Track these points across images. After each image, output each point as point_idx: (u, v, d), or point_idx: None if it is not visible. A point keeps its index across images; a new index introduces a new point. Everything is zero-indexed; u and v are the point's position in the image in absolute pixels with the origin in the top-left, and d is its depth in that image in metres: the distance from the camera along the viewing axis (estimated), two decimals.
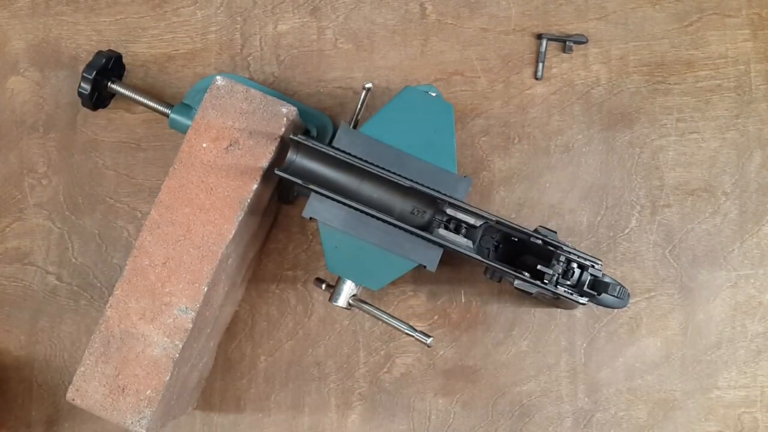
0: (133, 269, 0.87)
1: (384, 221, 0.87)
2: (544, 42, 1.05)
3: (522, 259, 0.91)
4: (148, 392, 0.85)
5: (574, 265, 0.86)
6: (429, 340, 0.89)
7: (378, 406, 1.02)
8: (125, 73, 1.07)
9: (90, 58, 1.01)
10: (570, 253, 0.86)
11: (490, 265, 0.88)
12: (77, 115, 1.07)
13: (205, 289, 0.86)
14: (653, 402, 1.01)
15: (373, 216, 0.87)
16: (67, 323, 1.04)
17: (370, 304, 0.92)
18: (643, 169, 1.04)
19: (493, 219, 0.87)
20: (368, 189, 0.89)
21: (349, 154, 0.88)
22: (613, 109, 1.05)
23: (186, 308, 0.86)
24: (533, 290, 0.86)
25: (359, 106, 0.94)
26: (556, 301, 0.93)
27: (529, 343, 1.02)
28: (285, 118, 0.89)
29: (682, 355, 1.02)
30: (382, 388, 1.03)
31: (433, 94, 0.92)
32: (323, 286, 0.95)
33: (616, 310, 1.02)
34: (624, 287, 0.85)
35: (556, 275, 0.86)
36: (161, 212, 0.88)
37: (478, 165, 1.05)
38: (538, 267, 0.86)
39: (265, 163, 0.88)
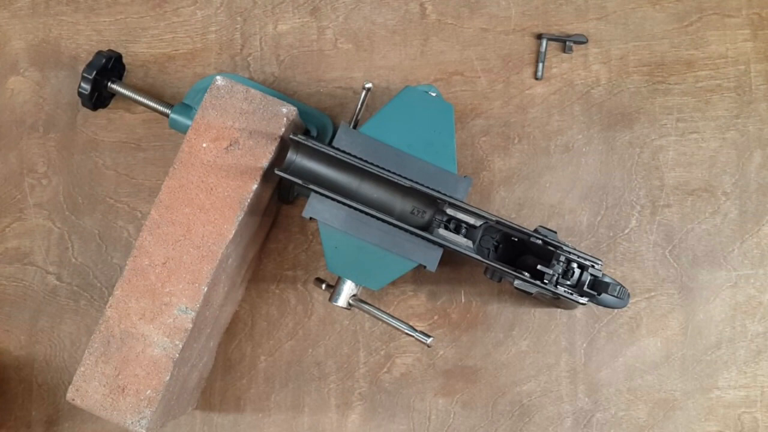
0: (133, 269, 0.87)
1: (384, 221, 0.87)
2: (544, 42, 1.06)
3: (522, 259, 0.91)
4: (148, 392, 0.85)
5: (574, 265, 0.86)
6: (429, 340, 0.89)
7: (378, 406, 1.02)
8: (125, 73, 1.07)
9: (90, 58, 1.01)
10: (570, 253, 0.86)
11: (490, 265, 0.88)
12: (77, 115, 1.07)
13: (205, 289, 0.86)
14: (653, 402, 1.01)
15: (373, 216, 0.87)
16: (67, 323, 1.04)
17: (370, 304, 0.92)
18: (643, 169, 1.04)
19: (493, 219, 0.87)
20: (368, 189, 0.89)
21: (349, 154, 0.88)
22: (613, 109, 1.05)
23: (186, 308, 0.86)
24: (533, 290, 0.86)
25: (359, 106, 0.94)
26: (556, 301, 0.93)
27: (529, 343, 1.02)
28: (285, 118, 0.89)
29: (682, 355, 1.02)
30: (382, 388, 1.03)
31: (433, 94, 0.92)
32: (323, 286, 0.95)
33: (616, 310, 1.02)
34: (624, 287, 0.85)
35: (556, 275, 0.86)
36: (161, 212, 0.88)
37: (478, 165, 1.05)
38: (538, 267, 0.86)
39: (265, 163, 0.88)
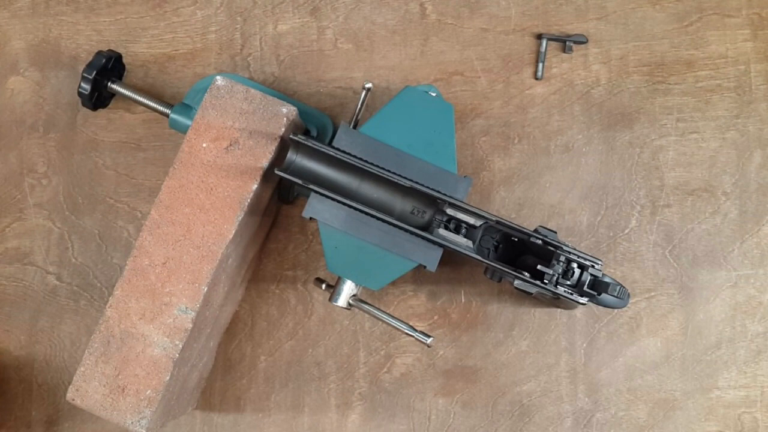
0: (133, 269, 0.87)
1: (384, 221, 0.87)
2: (544, 42, 1.06)
3: (522, 259, 0.91)
4: (148, 392, 0.85)
5: (574, 265, 0.86)
6: (429, 340, 0.89)
7: (378, 406, 1.02)
8: (125, 73, 1.07)
9: (90, 58, 1.01)
10: (570, 253, 0.86)
11: (490, 265, 0.88)
12: (77, 115, 1.07)
13: (205, 289, 0.86)
14: (653, 402, 1.01)
15: (373, 216, 0.87)
16: (67, 323, 1.04)
17: (370, 304, 0.92)
18: (643, 169, 1.04)
19: (493, 219, 0.87)
20: (368, 189, 0.89)
21: (349, 154, 0.88)
22: (613, 109, 1.05)
23: (186, 308, 0.86)
24: (533, 290, 0.86)
25: (359, 106, 0.94)
26: (556, 301, 0.93)
27: (529, 343, 1.02)
28: (285, 118, 0.89)
29: (682, 355, 1.02)
30: (382, 388, 1.03)
31: (433, 94, 0.92)
32: (323, 286, 0.95)
33: (616, 310, 1.02)
34: (624, 287, 0.85)
35: (556, 275, 0.86)
36: (161, 212, 0.88)
37: (478, 165, 1.05)
38: (538, 267, 0.86)
39: (265, 163, 0.88)
